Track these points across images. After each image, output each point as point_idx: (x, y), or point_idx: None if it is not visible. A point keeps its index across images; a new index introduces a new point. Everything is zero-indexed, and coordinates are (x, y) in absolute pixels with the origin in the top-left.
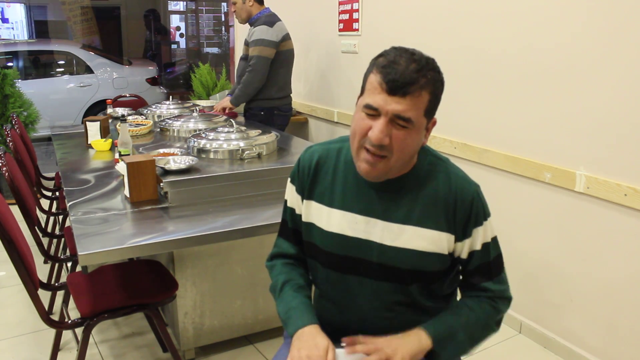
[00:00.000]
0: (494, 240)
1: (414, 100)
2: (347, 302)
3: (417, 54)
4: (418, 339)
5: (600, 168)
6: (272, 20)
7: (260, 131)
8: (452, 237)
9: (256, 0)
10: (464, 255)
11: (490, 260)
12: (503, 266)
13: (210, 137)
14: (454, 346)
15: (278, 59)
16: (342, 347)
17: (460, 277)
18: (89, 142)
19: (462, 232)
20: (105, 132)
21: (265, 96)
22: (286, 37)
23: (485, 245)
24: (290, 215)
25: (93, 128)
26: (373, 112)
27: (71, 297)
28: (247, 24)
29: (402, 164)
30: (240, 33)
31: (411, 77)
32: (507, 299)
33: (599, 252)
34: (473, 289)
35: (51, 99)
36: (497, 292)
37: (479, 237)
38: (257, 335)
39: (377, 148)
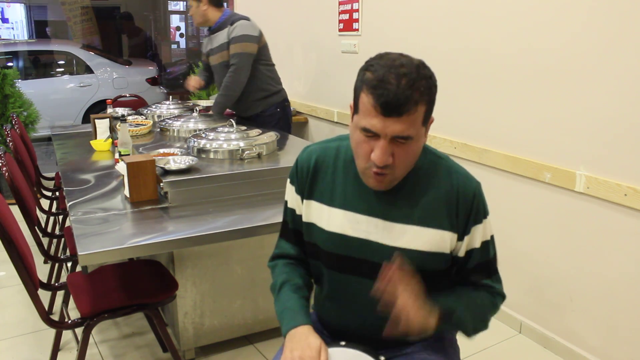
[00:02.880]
0: (492, 238)
1: (411, 116)
2: (349, 303)
3: (406, 64)
4: (427, 321)
5: (600, 168)
6: (245, 16)
7: (260, 131)
8: (454, 236)
9: (212, 3)
10: (462, 254)
11: (489, 259)
12: (497, 265)
13: (210, 137)
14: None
15: (265, 53)
16: (341, 345)
17: (457, 275)
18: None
19: (463, 230)
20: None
21: (273, 91)
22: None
23: (484, 244)
24: (291, 216)
25: (102, 125)
26: (371, 134)
27: (71, 297)
28: (208, 31)
29: (408, 171)
30: None
31: (405, 96)
32: (503, 296)
33: (599, 252)
34: (471, 285)
35: (51, 99)
36: (496, 288)
37: (478, 235)
38: (257, 335)
39: (382, 167)
